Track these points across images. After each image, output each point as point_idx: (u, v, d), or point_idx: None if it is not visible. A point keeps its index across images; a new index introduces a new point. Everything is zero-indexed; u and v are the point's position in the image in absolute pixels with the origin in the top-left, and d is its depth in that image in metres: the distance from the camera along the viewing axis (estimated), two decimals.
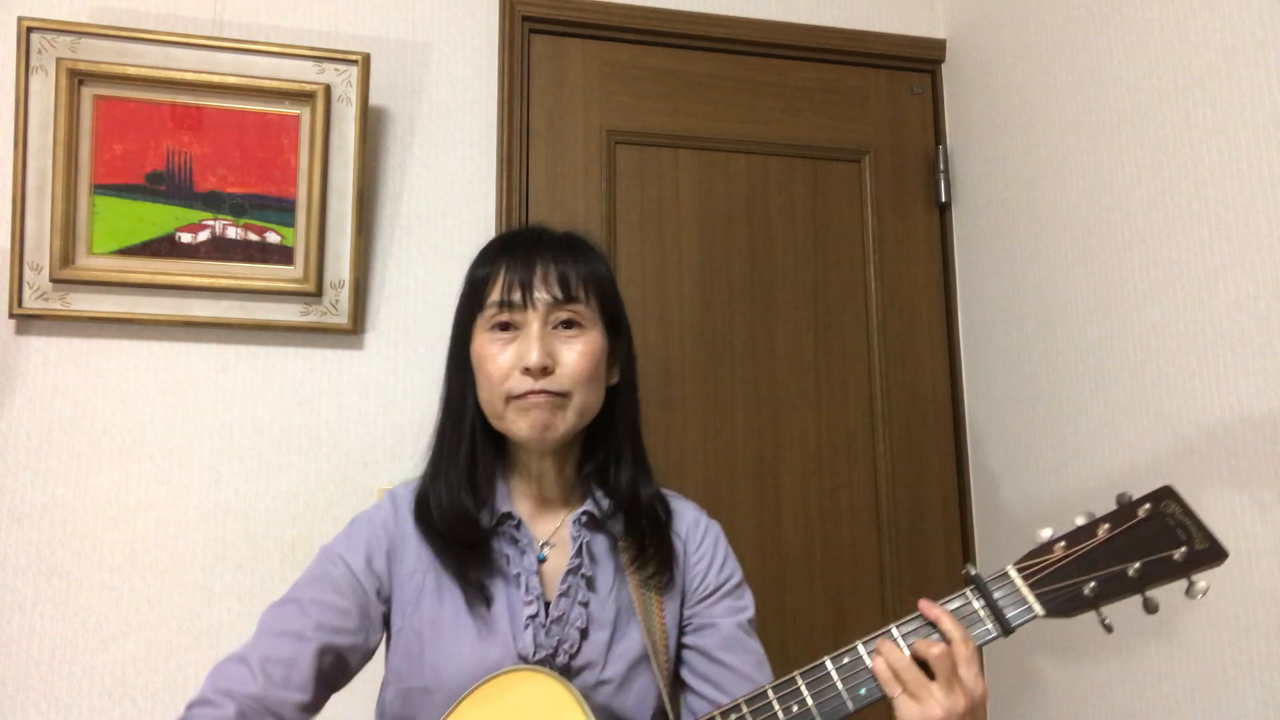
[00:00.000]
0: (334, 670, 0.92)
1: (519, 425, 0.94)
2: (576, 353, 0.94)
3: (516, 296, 0.94)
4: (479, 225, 1.65)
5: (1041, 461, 1.57)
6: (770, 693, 0.84)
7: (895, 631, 0.83)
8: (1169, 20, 1.31)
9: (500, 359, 0.93)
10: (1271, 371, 1.14)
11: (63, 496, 1.46)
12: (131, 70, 1.49)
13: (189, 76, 1.51)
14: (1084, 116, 1.48)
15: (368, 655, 0.96)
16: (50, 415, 1.47)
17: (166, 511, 1.49)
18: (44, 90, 1.46)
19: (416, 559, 0.96)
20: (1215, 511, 1.21)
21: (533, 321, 0.93)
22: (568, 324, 0.95)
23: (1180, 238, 1.28)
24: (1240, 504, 1.18)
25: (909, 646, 0.81)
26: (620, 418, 1.02)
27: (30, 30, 1.45)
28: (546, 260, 0.95)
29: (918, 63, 1.91)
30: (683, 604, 1.02)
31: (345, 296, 1.55)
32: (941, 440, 1.81)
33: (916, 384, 1.82)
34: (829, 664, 0.83)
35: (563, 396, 0.94)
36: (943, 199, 1.87)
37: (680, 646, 1.01)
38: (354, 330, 1.56)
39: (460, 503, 0.95)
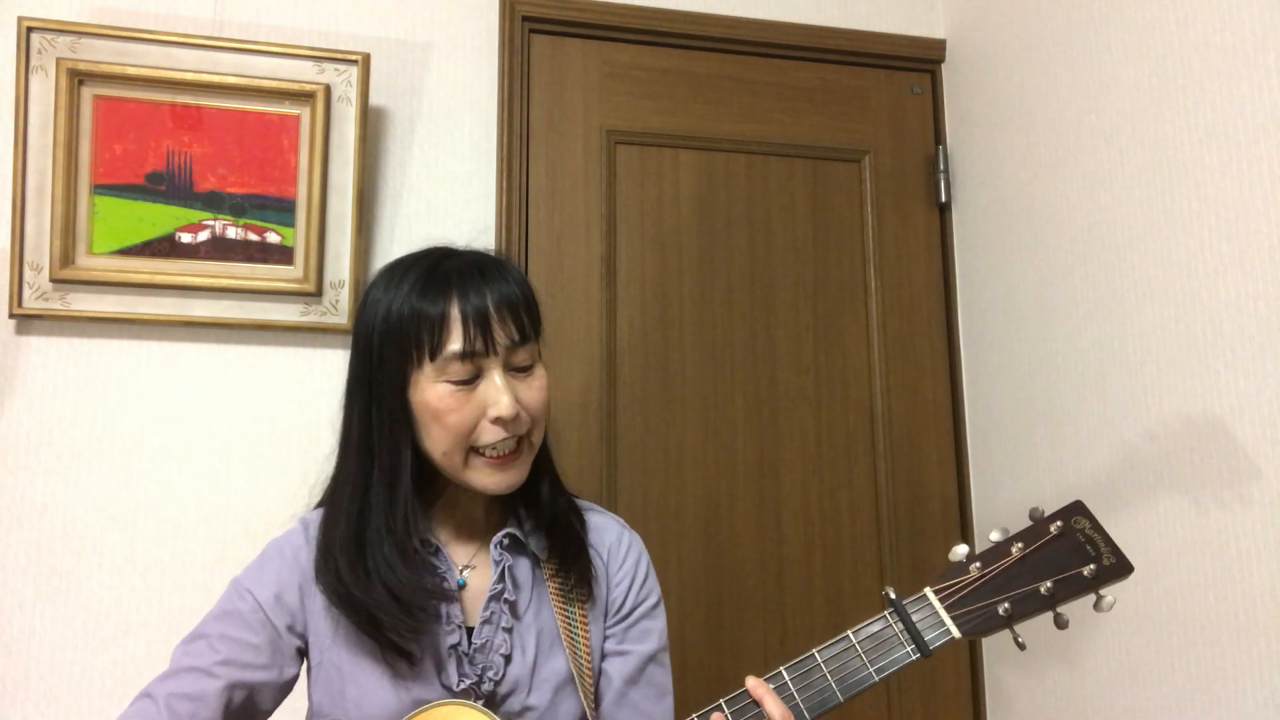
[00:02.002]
0: (244, 706, 0.90)
1: (487, 480, 0.91)
2: (535, 389, 0.93)
3: (479, 345, 0.88)
4: (479, 225, 1.65)
5: (1041, 461, 1.57)
6: None
7: (725, 707, 0.83)
8: (1169, 20, 1.31)
9: (466, 410, 0.88)
10: (1271, 371, 1.14)
11: (63, 496, 1.46)
12: (131, 70, 1.49)
13: (189, 76, 1.51)
14: (1084, 116, 1.48)
15: (283, 689, 0.93)
16: (50, 415, 1.47)
17: (166, 511, 1.49)
18: (44, 90, 1.46)
19: None
20: (1215, 511, 1.21)
21: (494, 368, 0.89)
22: (521, 366, 0.92)
23: (1180, 238, 1.28)
24: (1240, 504, 1.18)
25: None
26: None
27: (30, 30, 1.45)
28: (495, 294, 0.90)
29: (918, 63, 1.91)
30: (604, 622, 1.01)
31: (345, 296, 1.55)
32: (941, 440, 1.81)
33: (916, 384, 1.82)
34: None
35: (527, 437, 0.93)
36: (943, 199, 1.87)
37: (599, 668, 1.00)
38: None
39: (415, 579, 0.89)
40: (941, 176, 1.87)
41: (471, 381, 0.89)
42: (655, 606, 1.04)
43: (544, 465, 1.00)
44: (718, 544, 1.68)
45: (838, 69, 1.87)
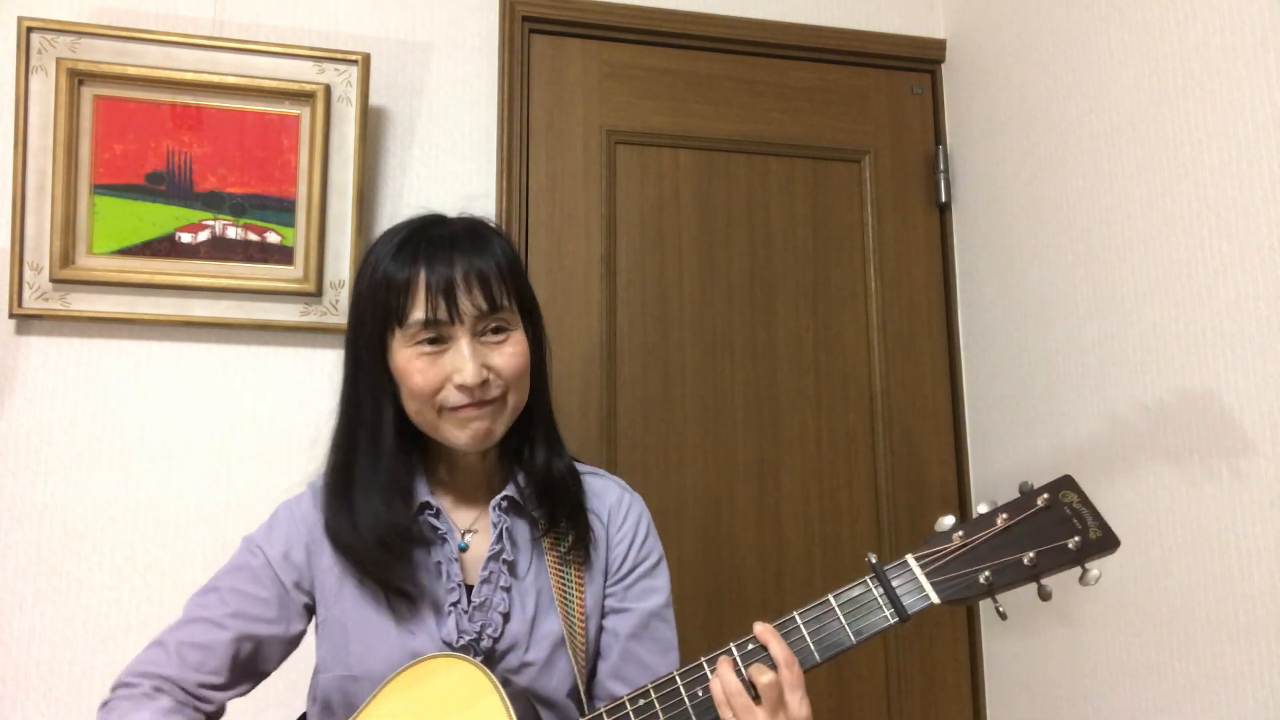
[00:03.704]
0: (252, 657, 0.94)
1: (457, 435, 0.94)
2: (508, 355, 0.94)
3: (443, 314, 0.90)
4: None
5: (1041, 462, 1.57)
6: (652, 692, 0.87)
7: (734, 650, 0.86)
8: (1169, 20, 1.31)
9: (429, 373, 0.91)
10: (1271, 371, 1.14)
11: (63, 496, 1.45)
12: (131, 70, 1.49)
13: (189, 76, 1.51)
14: (1084, 116, 1.48)
15: (291, 643, 0.97)
16: (50, 415, 1.47)
17: (166, 511, 1.49)
18: (44, 90, 1.46)
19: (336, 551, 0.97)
20: (1214, 511, 1.21)
21: (461, 336, 0.92)
22: (495, 329, 0.94)
23: (1180, 238, 1.28)
24: (1240, 504, 1.18)
25: (746, 668, 0.84)
26: (535, 399, 1.01)
27: (30, 30, 1.45)
28: (465, 265, 0.92)
29: (918, 63, 1.91)
30: (604, 583, 1.03)
31: (345, 296, 1.55)
32: (941, 440, 1.81)
33: (916, 384, 1.82)
34: (677, 678, 0.87)
35: (500, 400, 0.95)
36: (943, 199, 1.87)
37: (599, 627, 1.02)
38: None
39: (392, 521, 0.93)
40: (941, 176, 1.87)
41: (437, 345, 0.92)
42: (656, 565, 1.05)
43: (538, 430, 1.02)
44: (718, 544, 1.68)
45: (837, 69, 1.87)
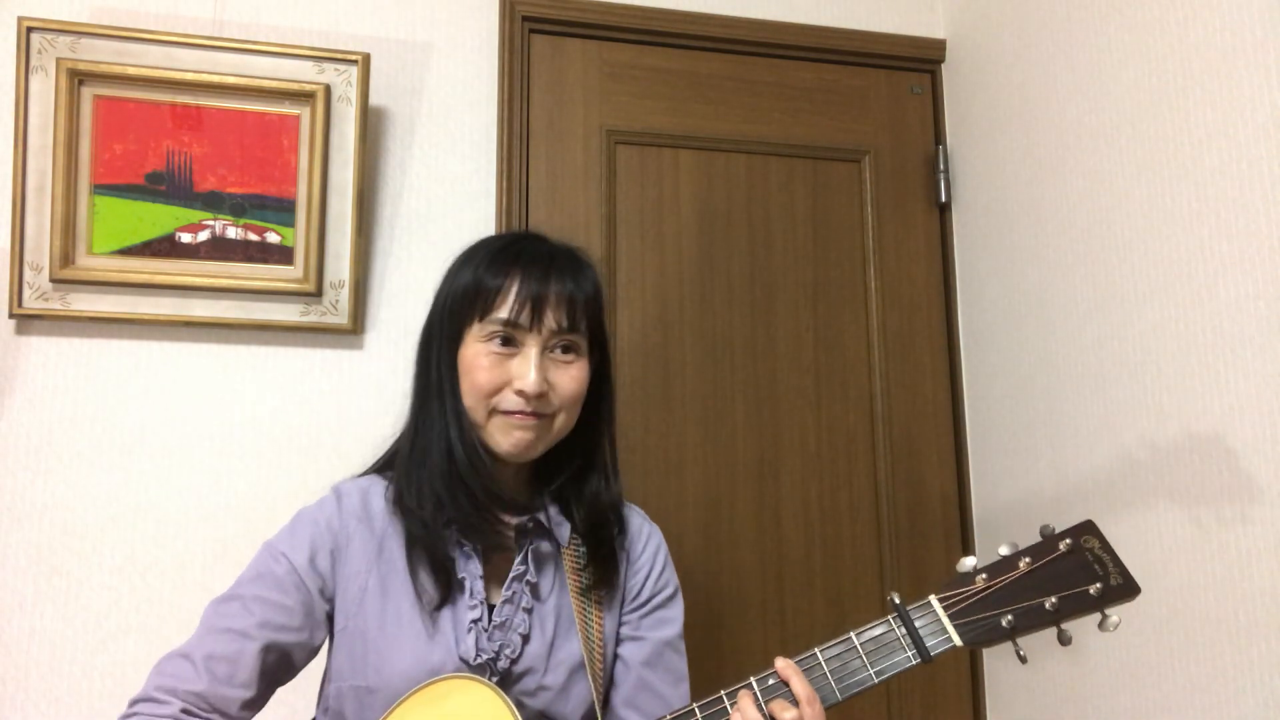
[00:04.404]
0: (278, 667, 0.93)
1: (499, 440, 0.95)
2: (569, 377, 0.96)
3: (524, 319, 0.93)
4: (479, 225, 1.65)
5: (1041, 462, 1.57)
6: None
7: (755, 685, 0.85)
8: (1169, 20, 1.31)
9: (493, 372, 0.94)
10: (1271, 371, 1.14)
11: (63, 496, 1.46)
12: (131, 70, 1.49)
13: (189, 76, 1.51)
14: (1084, 116, 1.48)
15: (313, 652, 0.96)
16: (50, 415, 1.47)
17: (166, 511, 1.49)
18: (44, 90, 1.46)
19: (361, 558, 0.96)
20: (1214, 512, 1.21)
21: (533, 345, 0.94)
22: (565, 348, 0.96)
23: (1180, 238, 1.28)
24: (1240, 504, 1.18)
25: (766, 704, 0.84)
26: (601, 430, 1.03)
27: (30, 30, 1.45)
28: (558, 283, 0.95)
29: (918, 63, 1.91)
30: (621, 611, 1.03)
31: (345, 296, 1.55)
32: (941, 440, 1.81)
33: (916, 384, 1.82)
34: (697, 710, 0.86)
35: (550, 417, 0.96)
36: (943, 199, 1.87)
37: (615, 654, 1.02)
38: (354, 330, 1.56)
39: (483, 478, 0.94)
40: (941, 176, 1.87)
41: (509, 349, 0.94)
42: (672, 596, 1.06)
43: (594, 458, 1.03)
44: (718, 544, 1.68)
45: (838, 69, 1.87)
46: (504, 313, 0.93)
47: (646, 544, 1.06)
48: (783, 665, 0.86)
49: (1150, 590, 1.31)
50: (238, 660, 0.89)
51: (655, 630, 1.03)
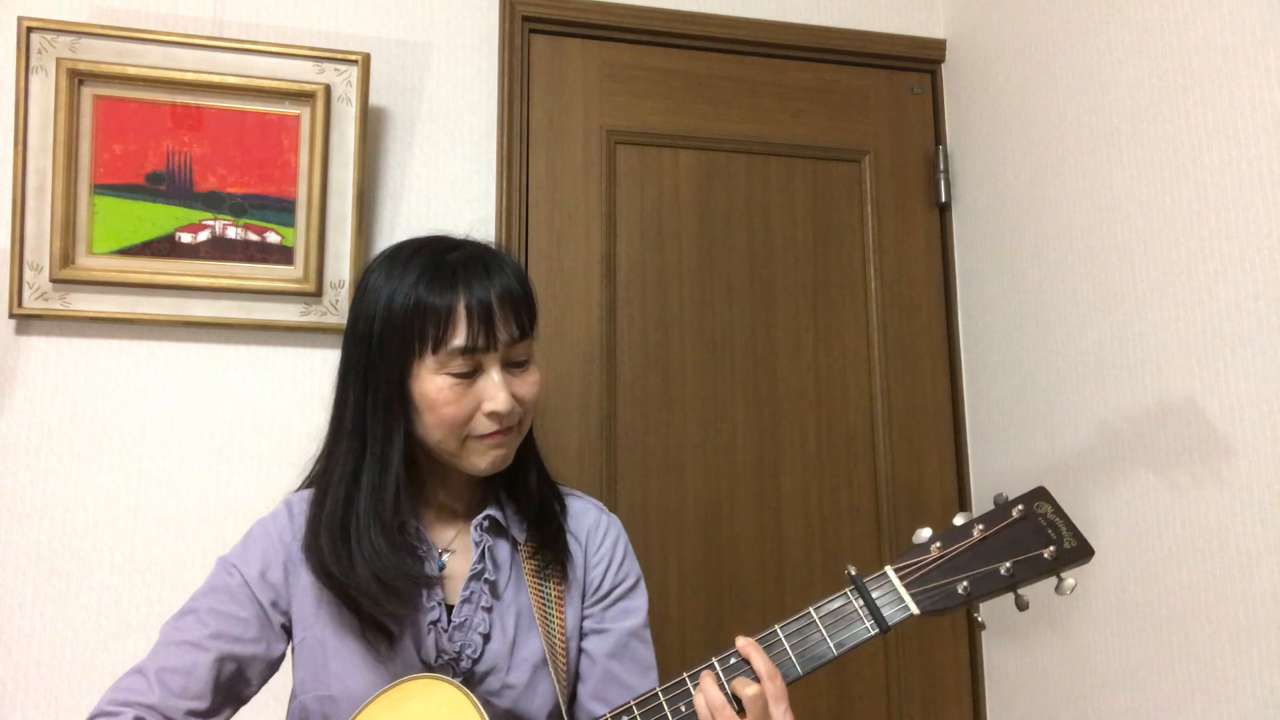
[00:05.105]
0: (234, 679, 0.92)
1: (477, 462, 0.94)
2: (529, 384, 0.95)
3: (483, 341, 0.89)
4: (479, 225, 1.65)
5: (1041, 462, 1.57)
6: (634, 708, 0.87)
7: (716, 665, 0.86)
8: (1169, 20, 1.31)
9: (461, 403, 0.90)
10: (1271, 372, 1.14)
11: (63, 496, 1.46)
12: (131, 70, 1.49)
13: (189, 76, 1.51)
14: (1084, 116, 1.48)
15: (271, 665, 0.95)
16: (50, 415, 1.47)
17: (166, 511, 1.49)
18: (44, 90, 1.46)
19: None
20: (1214, 511, 1.21)
21: (493, 365, 0.91)
22: (519, 363, 0.95)
23: (1180, 238, 1.28)
24: (1240, 504, 1.18)
25: (729, 682, 0.84)
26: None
27: (30, 30, 1.45)
28: (499, 290, 0.91)
29: (918, 63, 1.91)
30: (582, 604, 1.03)
31: (345, 296, 1.55)
32: (941, 440, 1.81)
33: (916, 384, 1.82)
34: (660, 694, 0.87)
35: (518, 428, 0.96)
36: (943, 199, 1.87)
37: (579, 648, 1.02)
38: None
39: (399, 564, 0.90)
40: (941, 176, 1.87)
41: (471, 375, 0.91)
42: (634, 587, 1.05)
43: (531, 454, 1.03)
44: (718, 544, 1.68)
45: (837, 69, 1.87)
46: (460, 340, 0.89)
47: (605, 535, 1.05)
48: (743, 643, 0.86)
49: (1150, 590, 1.31)
50: (191, 672, 0.89)
51: (619, 621, 1.02)
